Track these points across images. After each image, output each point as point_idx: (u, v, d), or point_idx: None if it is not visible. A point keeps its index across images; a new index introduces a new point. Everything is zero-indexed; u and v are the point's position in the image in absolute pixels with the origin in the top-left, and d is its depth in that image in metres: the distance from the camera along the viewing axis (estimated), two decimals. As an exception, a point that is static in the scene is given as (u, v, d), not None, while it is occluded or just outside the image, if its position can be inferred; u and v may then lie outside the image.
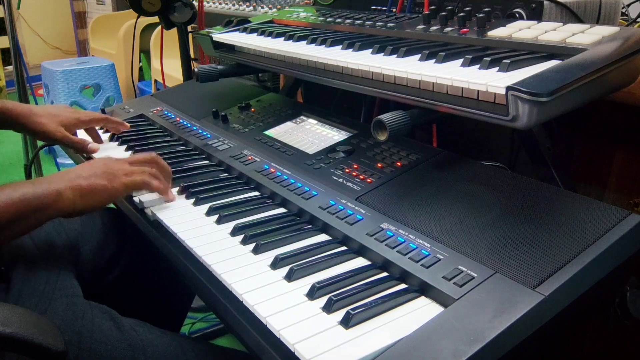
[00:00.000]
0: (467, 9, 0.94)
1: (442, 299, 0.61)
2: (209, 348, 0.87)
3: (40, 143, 1.66)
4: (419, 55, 0.83)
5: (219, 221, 0.83)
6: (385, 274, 0.68)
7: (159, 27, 1.85)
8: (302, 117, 1.15)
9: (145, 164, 0.91)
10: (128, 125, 1.23)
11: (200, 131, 1.19)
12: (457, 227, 0.70)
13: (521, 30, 0.83)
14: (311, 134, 1.06)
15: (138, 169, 0.89)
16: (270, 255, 0.72)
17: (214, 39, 1.26)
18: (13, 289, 0.81)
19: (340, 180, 0.87)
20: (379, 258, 0.70)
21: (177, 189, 0.95)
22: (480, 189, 0.77)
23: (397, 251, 0.68)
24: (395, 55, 0.87)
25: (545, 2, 0.89)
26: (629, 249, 0.64)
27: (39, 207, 0.77)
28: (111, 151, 1.17)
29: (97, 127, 1.22)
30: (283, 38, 1.11)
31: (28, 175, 1.72)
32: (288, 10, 1.38)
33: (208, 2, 1.96)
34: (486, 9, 0.91)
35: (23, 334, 0.56)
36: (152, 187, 0.89)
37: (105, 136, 1.24)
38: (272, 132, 1.11)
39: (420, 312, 0.61)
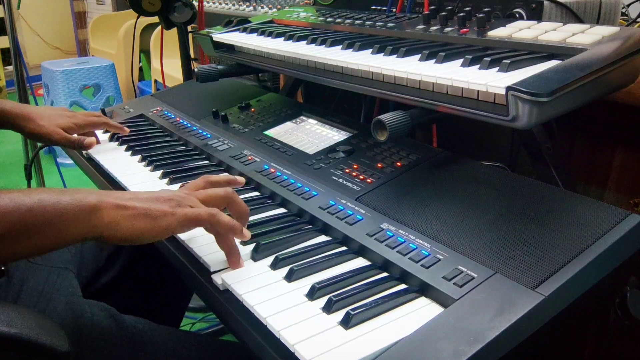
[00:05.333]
0: (467, 9, 0.94)
1: (442, 299, 0.61)
2: (209, 342, 0.87)
3: (40, 143, 1.66)
4: (419, 56, 0.83)
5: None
6: (385, 274, 0.68)
7: (159, 27, 1.84)
8: (302, 117, 1.15)
9: (218, 200, 0.74)
10: (127, 130, 1.21)
11: (200, 131, 1.19)
12: (457, 227, 0.70)
13: (521, 30, 0.83)
14: (311, 134, 1.06)
15: (207, 199, 0.72)
16: (270, 256, 0.72)
17: (214, 39, 1.26)
18: (12, 288, 0.81)
19: (340, 180, 0.87)
20: (379, 258, 0.70)
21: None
22: (480, 189, 0.77)
23: (397, 251, 0.68)
24: (395, 55, 0.87)
25: (545, 2, 0.89)
26: (629, 249, 0.64)
27: (60, 221, 0.61)
28: (111, 152, 1.17)
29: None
30: (283, 38, 1.11)
31: (28, 175, 1.72)
32: (288, 10, 1.38)
33: (208, 2, 1.96)
34: (486, 9, 0.91)
35: (28, 334, 0.56)
36: (220, 223, 0.70)
37: (105, 136, 1.24)
38: (272, 132, 1.11)
39: (420, 312, 0.61)
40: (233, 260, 0.71)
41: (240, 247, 0.75)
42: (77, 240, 0.64)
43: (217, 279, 0.69)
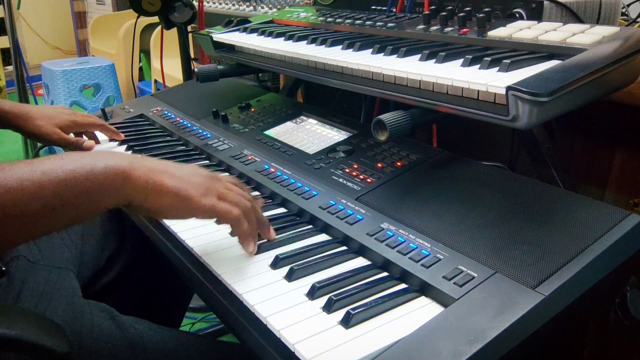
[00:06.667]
0: (467, 9, 0.94)
1: (442, 299, 0.61)
2: (210, 343, 0.87)
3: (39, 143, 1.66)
4: (419, 55, 0.83)
5: (218, 221, 0.83)
6: (385, 273, 0.68)
7: (159, 27, 1.85)
8: (302, 117, 1.15)
9: (242, 201, 0.72)
10: (123, 136, 1.21)
11: (200, 131, 1.19)
12: (457, 227, 0.70)
13: (521, 30, 0.83)
14: (311, 134, 1.06)
15: (234, 197, 0.71)
16: (270, 255, 0.72)
17: (214, 39, 1.26)
18: (13, 288, 0.81)
19: (341, 180, 0.87)
20: (379, 258, 0.70)
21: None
22: (480, 189, 0.77)
23: (397, 251, 0.68)
24: (396, 55, 0.87)
25: (545, 2, 0.89)
26: (629, 249, 0.64)
27: (94, 191, 0.60)
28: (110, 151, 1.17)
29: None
30: (283, 38, 1.11)
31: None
32: (288, 10, 1.38)
33: (208, 2, 1.96)
34: (486, 9, 0.91)
35: (28, 335, 0.56)
36: (239, 227, 0.70)
37: (104, 136, 1.24)
38: (272, 132, 1.11)
39: (420, 312, 0.61)
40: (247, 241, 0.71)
41: (240, 247, 0.75)
42: (109, 208, 0.63)
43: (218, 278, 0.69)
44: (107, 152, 0.64)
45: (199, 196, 0.66)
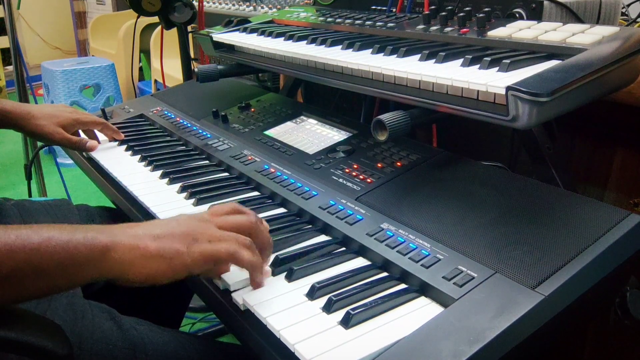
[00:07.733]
0: (467, 9, 0.94)
1: (442, 299, 0.61)
2: (210, 344, 0.87)
3: (40, 143, 1.66)
4: (419, 55, 0.83)
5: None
6: (385, 274, 0.68)
7: (159, 27, 1.85)
8: (302, 117, 1.15)
9: (241, 230, 0.67)
10: (122, 135, 1.22)
11: (200, 131, 1.19)
12: (457, 227, 0.70)
13: (521, 30, 0.83)
14: (311, 134, 1.06)
15: (226, 235, 0.65)
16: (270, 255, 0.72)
17: (214, 39, 1.26)
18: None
19: (340, 180, 0.87)
20: (379, 258, 0.70)
21: (178, 188, 0.95)
22: (480, 189, 0.77)
23: (397, 251, 0.68)
24: (395, 55, 0.87)
25: (545, 2, 0.89)
26: (629, 249, 0.64)
27: (70, 263, 0.57)
28: (111, 151, 1.17)
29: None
30: (283, 38, 1.11)
31: (28, 175, 1.72)
32: (288, 10, 1.38)
33: (208, 2, 1.96)
34: (486, 9, 0.91)
35: (29, 337, 0.56)
36: (241, 261, 0.64)
37: (104, 136, 1.24)
38: (272, 132, 1.11)
39: (420, 312, 0.61)
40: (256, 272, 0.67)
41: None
42: (88, 282, 0.60)
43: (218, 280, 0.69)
44: (90, 226, 0.61)
45: (186, 247, 0.61)
